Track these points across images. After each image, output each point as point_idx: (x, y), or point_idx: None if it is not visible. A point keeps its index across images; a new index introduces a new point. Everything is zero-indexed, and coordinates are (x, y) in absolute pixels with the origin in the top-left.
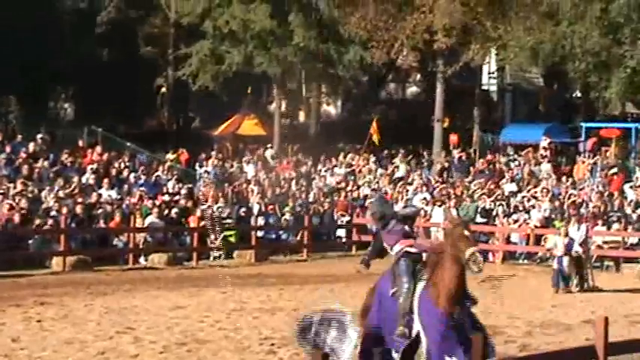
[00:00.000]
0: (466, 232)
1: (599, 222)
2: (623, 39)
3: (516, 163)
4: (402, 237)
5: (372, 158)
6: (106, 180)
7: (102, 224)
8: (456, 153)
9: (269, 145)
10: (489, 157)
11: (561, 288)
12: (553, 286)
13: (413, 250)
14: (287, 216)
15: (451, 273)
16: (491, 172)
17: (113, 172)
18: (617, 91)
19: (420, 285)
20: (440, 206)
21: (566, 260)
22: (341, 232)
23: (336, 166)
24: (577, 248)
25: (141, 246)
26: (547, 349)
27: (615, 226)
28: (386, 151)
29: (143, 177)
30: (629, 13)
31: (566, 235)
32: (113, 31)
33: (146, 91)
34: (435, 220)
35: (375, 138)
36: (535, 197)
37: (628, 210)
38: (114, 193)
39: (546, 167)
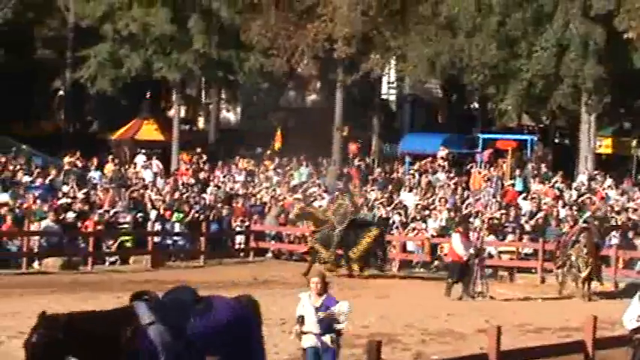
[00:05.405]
0: None
1: (494, 233)
2: (519, 52)
3: (414, 172)
4: None
5: (272, 165)
6: None
7: None
8: (355, 162)
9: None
10: (388, 166)
11: None
12: None
13: None
14: (183, 222)
15: None
16: (389, 181)
17: (7, 174)
18: (513, 103)
19: None
20: None
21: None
22: (239, 239)
23: (234, 172)
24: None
25: (35, 250)
26: (441, 358)
27: (510, 236)
28: (285, 159)
29: (39, 180)
30: (525, 27)
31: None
32: (9, 33)
33: (42, 93)
34: None
35: (277, 145)
36: (432, 207)
37: (522, 221)
38: (6, 196)
39: (443, 177)
